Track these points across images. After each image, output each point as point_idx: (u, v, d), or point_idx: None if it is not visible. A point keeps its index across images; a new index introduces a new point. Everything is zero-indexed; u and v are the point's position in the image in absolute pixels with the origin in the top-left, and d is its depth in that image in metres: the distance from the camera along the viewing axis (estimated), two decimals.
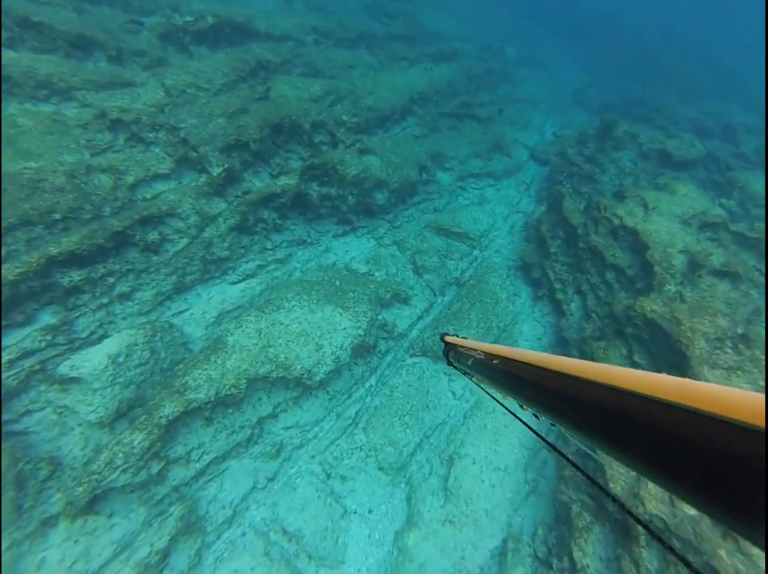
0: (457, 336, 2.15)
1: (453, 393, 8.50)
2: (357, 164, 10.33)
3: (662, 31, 34.14)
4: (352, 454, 7.27)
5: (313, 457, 7.17)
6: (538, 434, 1.21)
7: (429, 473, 7.28)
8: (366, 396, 8.17)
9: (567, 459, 1.11)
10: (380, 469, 7.22)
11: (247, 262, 8.89)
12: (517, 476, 7.24)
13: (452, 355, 1.96)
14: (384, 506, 6.97)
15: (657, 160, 13.20)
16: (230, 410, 6.77)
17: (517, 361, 1.21)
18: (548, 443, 1.17)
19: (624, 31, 33.80)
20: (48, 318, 6.38)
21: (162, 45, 10.62)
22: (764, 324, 7.48)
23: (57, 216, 6.85)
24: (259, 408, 7.04)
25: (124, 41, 10.00)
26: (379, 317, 8.76)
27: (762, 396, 0.52)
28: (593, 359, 7.99)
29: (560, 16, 35.09)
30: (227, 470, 6.67)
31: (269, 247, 9.35)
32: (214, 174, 8.42)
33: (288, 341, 7.56)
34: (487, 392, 1.58)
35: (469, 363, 1.65)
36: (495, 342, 9.33)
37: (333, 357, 7.61)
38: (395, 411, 7.86)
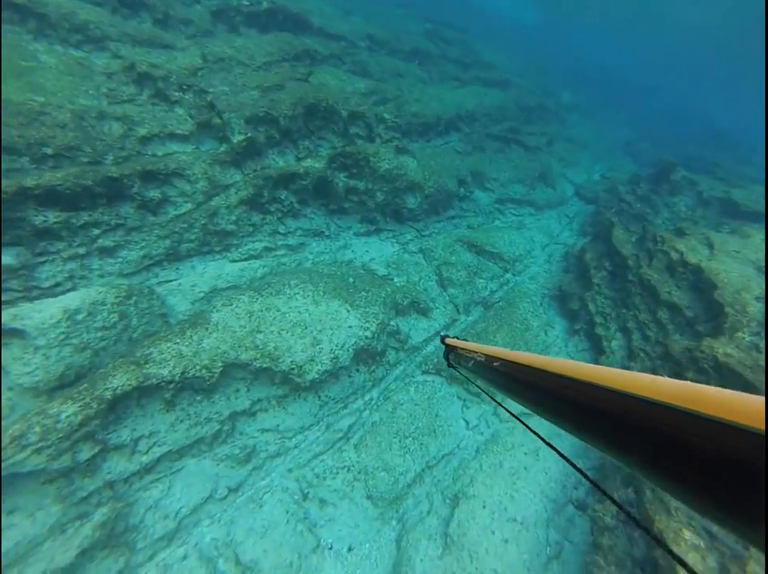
0: (458, 338, 2.06)
1: (467, 421, 7.00)
2: (392, 160, 9.31)
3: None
4: (337, 474, 5.83)
5: (290, 470, 5.75)
6: (544, 439, 1.06)
7: (427, 511, 5.75)
8: (365, 409, 6.77)
9: (574, 466, 0.96)
10: (368, 497, 5.74)
11: (253, 242, 7.81)
12: (537, 533, 5.61)
13: (453, 357, 1.87)
14: (367, 545, 5.44)
15: (720, 208, 11.73)
16: (198, 397, 5.49)
17: (518, 364, 1.18)
18: (554, 449, 1.03)
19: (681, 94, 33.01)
20: (7, 258, 5.35)
21: (212, 19, 10.08)
22: None
23: (49, 151, 5.95)
24: (234, 401, 5.74)
25: (174, 9, 9.48)
26: (392, 323, 7.45)
27: (762, 399, 0.51)
28: None
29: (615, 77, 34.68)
30: (181, 471, 5.32)
31: (282, 231, 8.28)
32: (234, 141, 7.50)
33: (282, 330, 6.32)
34: (487, 393, 1.54)
35: (470, 365, 1.58)
36: None
37: (331, 356, 6.30)
38: (396, 431, 6.42)
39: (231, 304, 6.29)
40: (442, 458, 6.43)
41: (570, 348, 8.61)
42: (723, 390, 0.56)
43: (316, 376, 6.09)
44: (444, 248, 9.75)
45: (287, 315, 6.54)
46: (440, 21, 19.79)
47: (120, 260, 6.31)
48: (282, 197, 8.18)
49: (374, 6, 18.36)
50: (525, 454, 6.58)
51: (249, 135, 7.65)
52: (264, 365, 5.84)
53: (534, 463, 6.40)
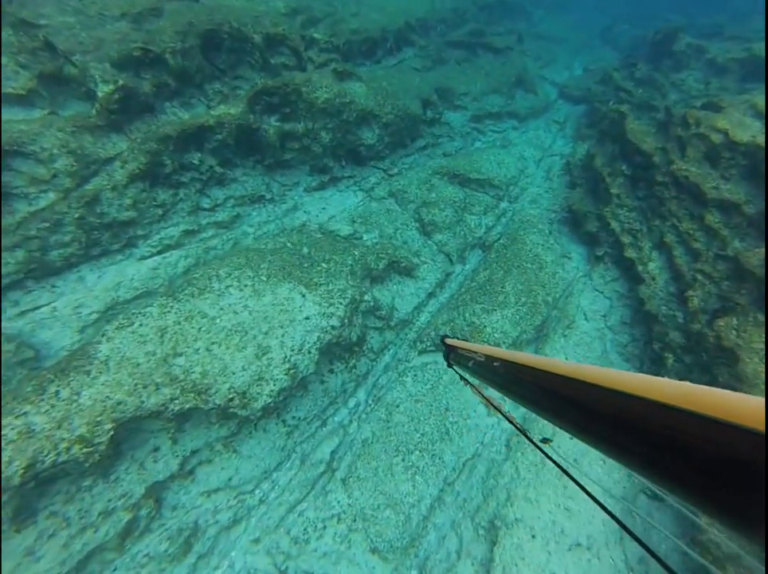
0: (458, 339, 1.93)
1: (486, 407, 5.20)
2: (331, 87, 6.96)
3: None
4: (325, 529, 4.07)
5: (256, 541, 3.99)
6: (574, 479, 0.93)
7: (456, 552, 4.05)
8: (350, 422, 4.94)
9: (605, 509, 0.89)
10: (374, 551, 4.01)
11: (167, 227, 5.68)
12: (611, 556, 3.93)
13: (453, 357, 1.75)
14: None
15: (741, 73, 9.37)
16: (84, 485, 3.60)
17: (518, 364, 1.14)
18: (585, 490, 0.94)
19: None
20: None
21: None
22: None
23: None
24: (153, 466, 3.88)
25: None
26: (367, 298, 5.48)
27: (762, 400, 0.49)
28: (719, 341, 4.60)
29: None
30: None
31: (206, 206, 6.13)
32: (100, 95, 5.19)
33: (213, 344, 4.36)
34: (479, 394, 1.48)
35: (470, 365, 1.51)
36: (544, 323, 5.95)
37: (286, 367, 4.39)
38: (396, 447, 4.62)
39: (131, 324, 4.29)
40: (463, 466, 4.66)
41: (597, 281, 6.67)
42: (724, 391, 0.55)
43: (269, 400, 4.21)
44: (420, 185, 7.59)
45: (217, 320, 4.56)
46: None
47: None
48: (195, 161, 5.95)
49: None
50: (570, 438, 4.81)
51: (121, 83, 5.31)
52: (188, 405, 3.94)
53: (585, 452, 4.64)
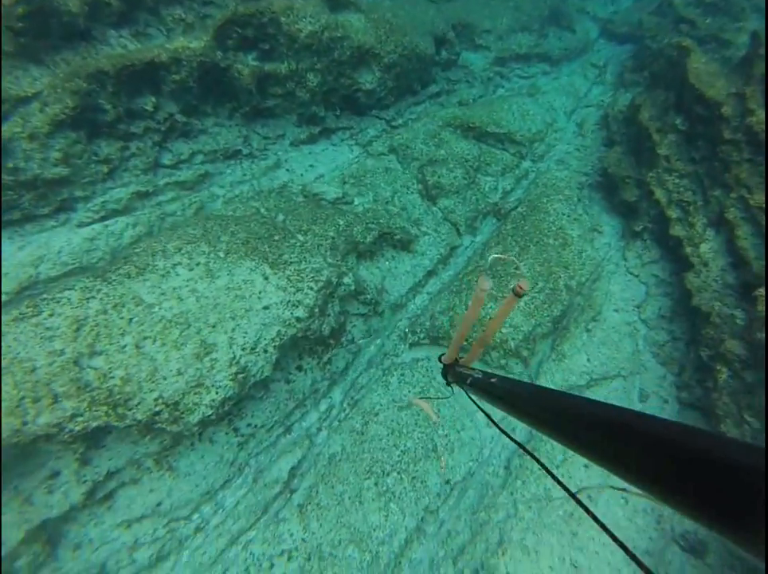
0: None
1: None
2: (317, 17, 5.42)
3: None
4: (272, 568, 3.21)
5: None
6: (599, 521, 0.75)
7: None
8: (318, 430, 3.95)
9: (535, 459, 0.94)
10: None
11: (114, 188, 4.54)
12: None
13: (452, 374, 1.64)
14: None
15: None
16: None
17: (514, 379, 1.20)
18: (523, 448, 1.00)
19: None
20: None
21: None
22: None
23: None
24: (42, 500, 2.98)
25: None
26: (347, 280, 4.32)
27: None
28: None
29: None
30: None
31: (167, 163, 4.94)
32: None
33: (144, 340, 3.35)
34: (491, 421, 1.28)
35: (468, 382, 1.40)
36: (564, 313, 4.70)
37: (233, 370, 3.36)
38: (368, 467, 3.64)
39: (37, 314, 3.29)
40: (451, 490, 3.67)
41: (631, 262, 5.28)
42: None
43: (209, 413, 3.23)
44: (428, 139, 6.14)
45: (155, 309, 3.52)
46: None
47: None
48: (147, 107, 4.69)
49: None
50: (585, 466, 3.72)
51: None
52: (96, 423, 2.99)
53: (601, 489, 3.56)
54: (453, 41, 7.63)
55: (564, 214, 5.51)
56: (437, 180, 5.76)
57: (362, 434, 3.80)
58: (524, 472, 3.68)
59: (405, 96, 6.97)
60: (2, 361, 2.96)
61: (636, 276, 5.16)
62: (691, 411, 4.13)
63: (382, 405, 3.99)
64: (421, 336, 4.56)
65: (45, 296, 3.42)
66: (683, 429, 0.57)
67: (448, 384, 1.70)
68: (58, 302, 3.39)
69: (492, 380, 1.27)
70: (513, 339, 4.36)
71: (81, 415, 2.94)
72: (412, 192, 5.73)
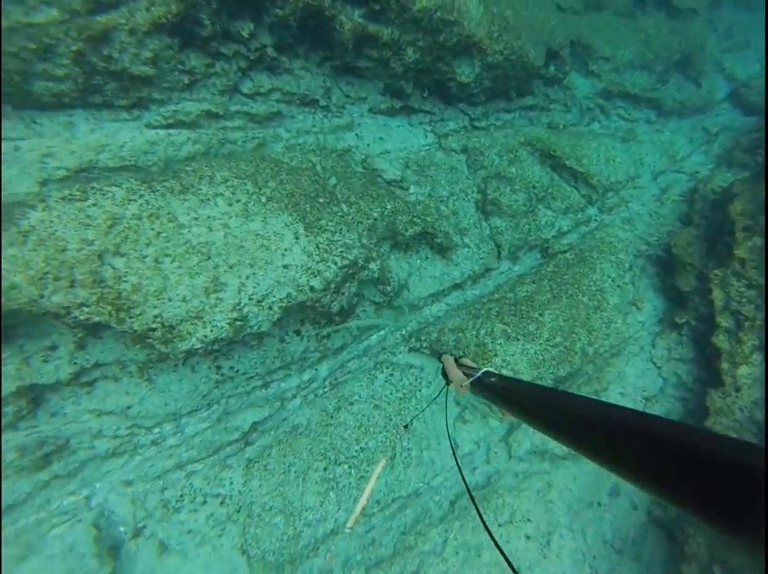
0: (452, 355, 1.78)
1: (456, 444, 4.10)
2: None
3: None
4: (204, 505, 3.34)
5: (128, 483, 3.30)
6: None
7: None
8: (294, 397, 4.02)
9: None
10: (243, 552, 3.28)
11: (189, 101, 4.54)
12: None
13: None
14: None
15: None
16: None
17: (512, 378, 1.23)
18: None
19: None
20: None
21: None
22: None
23: None
24: (38, 365, 3.14)
25: None
26: (372, 266, 4.26)
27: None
28: None
29: None
30: None
31: (245, 91, 4.90)
32: None
33: (164, 256, 3.41)
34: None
35: (468, 381, 1.42)
36: (569, 376, 4.56)
37: (233, 316, 3.40)
38: (324, 449, 3.69)
39: (84, 199, 3.39)
40: (391, 502, 3.70)
41: (659, 352, 5.03)
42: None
43: (198, 346, 3.30)
44: (503, 152, 5.89)
45: (184, 231, 3.57)
46: None
47: None
48: (243, 33, 4.61)
49: None
50: (527, 537, 3.66)
51: None
52: (97, 318, 3.10)
53: (540, 560, 3.52)
54: (566, 59, 7.15)
55: (609, 277, 5.25)
56: (497, 197, 5.55)
57: (332, 417, 3.84)
58: (466, 516, 3.66)
59: (498, 99, 6.65)
60: (41, 233, 3.08)
61: (658, 368, 4.93)
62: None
63: (360, 397, 4.01)
64: (424, 344, 4.51)
65: (94, 185, 3.50)
66: (684, 428, 0.56)
67: (447, 383, 1.73)
68: (103, 195, 3.47)
69: (492, 379, 1.30)
70: None
71: (88, 307, 3.05)
72: (468, 200, 5.56)
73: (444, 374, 1.72)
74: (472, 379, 1.40)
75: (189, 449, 3.51)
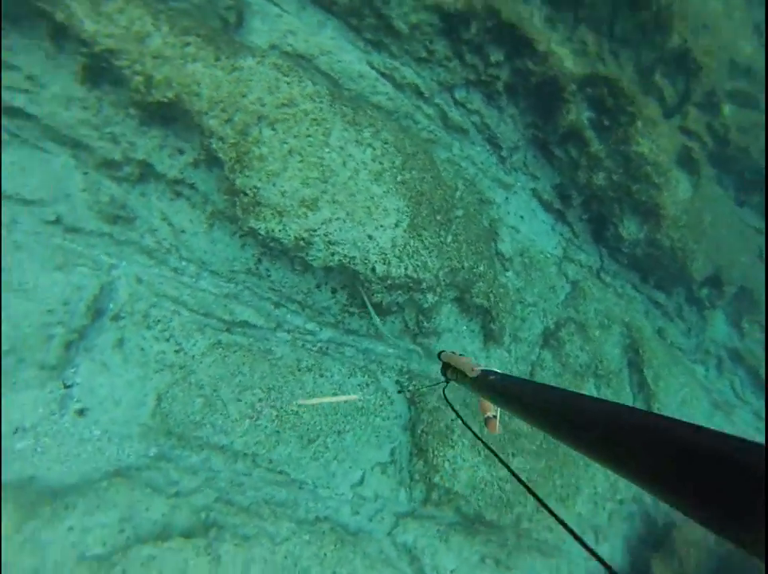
0: (455, 353, 1.76)
1: (358, 481, 4.06)
2: None
3: None
4: (166, 341, 3.57)
5: (140, 280, 3.66)
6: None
7: None
8: (287, 331, 4.18)
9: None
10: (158, 398, 3.47)
11: (411, 68, 4.93)
12: None
13: (451, 372, 1.67)
14: None
15: None
16: None
17: (512, 376, 1.23)
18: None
19: None
20: None
21: None
22: None
23: None
24: None
25: None
26: (429, 296, 4.34)
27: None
28: None
29: None
30: None
31: (457, 96, 5.19)
32: None
33: (297, 153, 3.73)
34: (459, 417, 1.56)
35: (466, 380, 1.48)
36: (490, 524, 4.36)
37: (305, 234, 3.61)
38: (273, 386, 3.81)
39: (286, 73, 3.83)
40: (278, 473, 3.74)
41: None
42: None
43: (261, 231, 3.58)
44: (602, 313, 5.79)
45: (326, 149, 3.90)
46: None
47: None
48: (491, 58, 4.96)
49: None
50: None
51: None
52: (221, 155, 3.48)
53: None
54: (725, 297, 6.84)
55: (595, 488, 4.97)
56: (565, 340, 5.48)
57: (299, 370, 3.96)
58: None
59: (635, 272, 6.55)
60: (242, 75, 3.55)
61: None
62: None
63: (332, 377, 4.10)
64: (410, 388, 4.54)
65: (299, 70, 4.00)
66: (685, 427, 0.55)
67: (447, 381, 1.75)
68: (300, 81, 3.94)
69: (491, 378, 1.31)
70: None
71: (223, 143, 3.46)
72: (542, 321, 5.54)
73: (444, 372, 1.74)
74: (480, 367, 1.41)
75: (191, 295, 3.79)
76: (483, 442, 1.25)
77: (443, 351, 1.81)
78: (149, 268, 3.67)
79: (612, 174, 5.42)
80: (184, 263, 3.81)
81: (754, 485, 0.43)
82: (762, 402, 7.68)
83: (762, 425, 7.44)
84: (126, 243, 3.64)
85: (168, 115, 3.68)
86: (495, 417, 1.53)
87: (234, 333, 3.82)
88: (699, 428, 0.54)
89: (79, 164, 3.63)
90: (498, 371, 1.35)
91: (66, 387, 3.15)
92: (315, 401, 2.93)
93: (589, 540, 4.85)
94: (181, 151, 3.81)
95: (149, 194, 3.79)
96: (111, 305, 3.40)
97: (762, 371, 7.29)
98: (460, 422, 3.85)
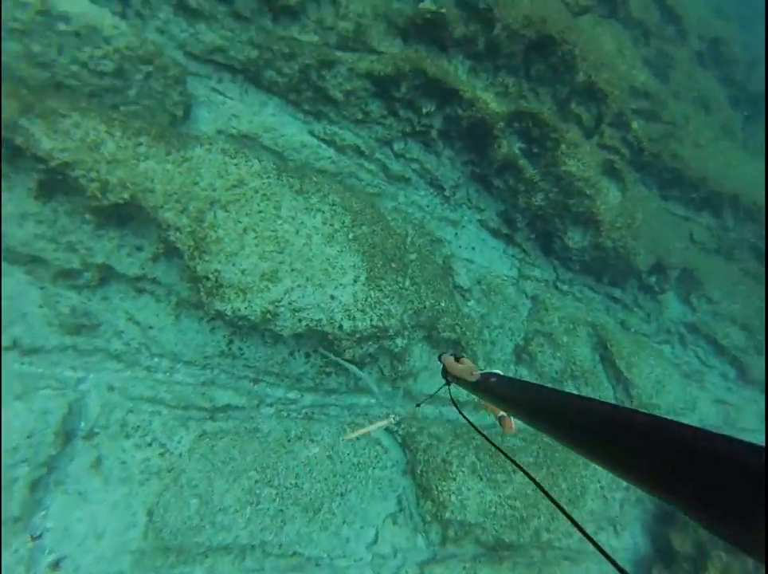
0: (454, 354, 1.77)
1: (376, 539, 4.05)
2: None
3: None
4: (148, 446, 3.54)
5: (111, 388, 3.63)
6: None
7: None
8: (270, 405, 4.22)
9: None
10: (148, 512, 3.40)
11: (351, 131, 5.29)
12: None
13: (451, 376, 1.67)
14: None
15: None
16: None
17: (512, 378, 1.26)
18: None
19: None
20: None
21: None
22: None
23: None
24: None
25: None
26: (398, 341, 4.51)
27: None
28: None
29: None
30: None
31: (396, 148, 5.59)
32: None
33: (252, 230, 3.88)
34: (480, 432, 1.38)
35: (467, 383, 1.48)
36: (510, 546, 4.42)
37: (270, 307, 3.72)
38: (267, 464, 3.81)
39: (233, 156, 4.04)
40: (292, 555, 3.68)
41: None
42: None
43: (227, 311, 3.67)
44: (566, 319, 6.10)
45: (278, 221, 4.07)
46: None
47: None
48: (423, 110, 5.37)
49: None
50: None
51: None
52: (180, 245, 3.59)
53: None
54: (671, 280, 7.35)
55: (599, 482, 5.13)
56: (536, 352, 5.73)
57: (289, 441, 3.98)
58: None
59: (589, 276, 6.94)
60: (192, 164, 3.71)
61: None
62: None
63: (322, 440, 4.14)
64: (400, 432, 4.61)
65: (246, 151, 4.18)
66: (684, 428, 0.55)
67: (447, 383, 1.74)
68: (246, 161, 4.12)
69: (492, 380, 1.29)
70: None
71: (180, 233, 3.57)
72: (511, 340, 5.77)
73: (445, 374, 1.73)
74: (479, 372, 1.41)
75: (168, 391, 3.79)
76: (493, 444, 1.24)
77: (443, 352, 1.82)
78: (119, 372, 3.66)
79: (549, 194, 5.85)
80: (156, 359, 3.82)
81: (753, 486, 0.43)
82: (726, 365, 8.15)
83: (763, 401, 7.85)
84: (92, 352, 3.63)
85: (124, 214, 3.77)
86: (508, 416, 1.52)
87: (218, 419, 3.82)
88: (698, 429, 0.54)
89: (35, 280, 3.63)
90: (499, 372, 1.34)
91: (34, 538, 2.81)
92: (355, 434, 3.00)
93: (610, 534, 4.99)
94: (139, 248, 3.89)
95: (111, 296, 3.82)
96: (83, 424, 3.35)
97: (719, 337, 7.82)
98: (460, 442, 3.90)
